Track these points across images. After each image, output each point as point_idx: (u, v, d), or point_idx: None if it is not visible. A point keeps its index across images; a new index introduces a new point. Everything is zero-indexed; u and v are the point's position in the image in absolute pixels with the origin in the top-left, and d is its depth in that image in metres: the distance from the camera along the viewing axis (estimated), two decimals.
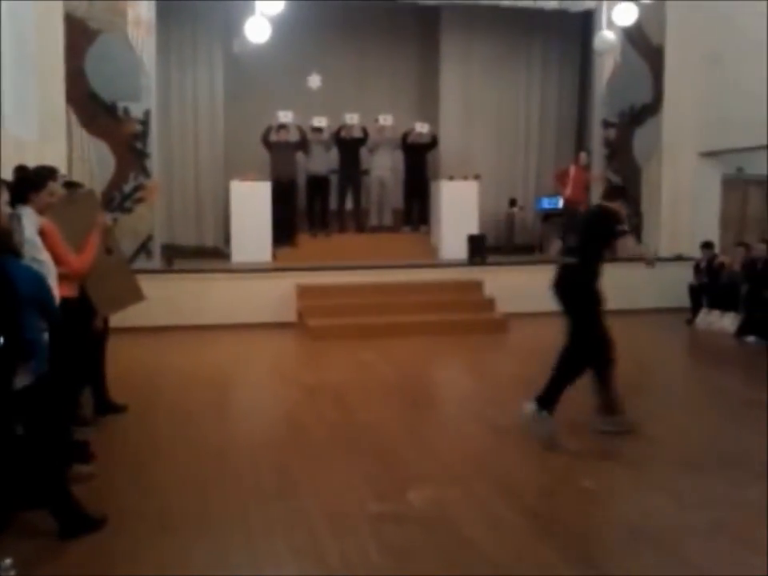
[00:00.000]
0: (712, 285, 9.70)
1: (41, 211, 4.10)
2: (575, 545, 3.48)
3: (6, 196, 3.45)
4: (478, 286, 10.07)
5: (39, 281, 3.55)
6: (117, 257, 5.17)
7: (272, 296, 9.67)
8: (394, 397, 6.35)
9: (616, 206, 5.37)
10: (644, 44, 11.31)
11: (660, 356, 8.15)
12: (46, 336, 3.57)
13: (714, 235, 10.91)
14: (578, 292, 5.07)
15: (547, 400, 5.03)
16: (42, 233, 4.00)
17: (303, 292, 9.59)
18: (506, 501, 3.98)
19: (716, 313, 9.54)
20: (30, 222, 3.90)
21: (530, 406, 5.07)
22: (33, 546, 3.42)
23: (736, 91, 10.42)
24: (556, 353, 5.12)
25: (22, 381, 3.33)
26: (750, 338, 8.73)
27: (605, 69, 11.51)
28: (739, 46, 10.44)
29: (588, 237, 5.14)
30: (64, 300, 4.03)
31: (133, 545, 3.46)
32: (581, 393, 5.16)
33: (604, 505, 3.97)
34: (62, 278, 4.14)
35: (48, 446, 3.51)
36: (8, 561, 3.15)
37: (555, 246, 5.68)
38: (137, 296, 5.28)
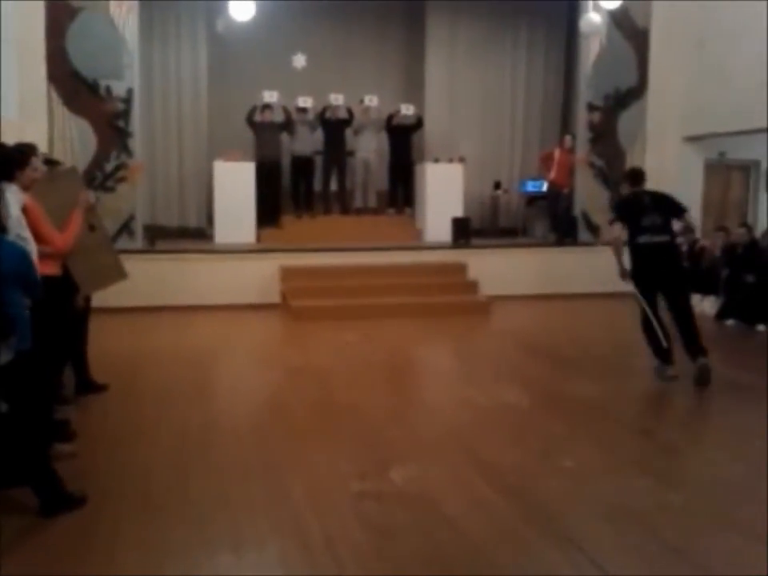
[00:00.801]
0: (693, 269, 9.77)
1: (25, 188, 4.06)
2: (555, 523, 3.52)
3: None
4: (461, 268, 10.09)
5: (23, 257, 3.52)
6: (100, 234, 5.10)
7: (256, 277, 9.64)
8: (377, 378, 6.37)
9: None
10: (630, 27, 11.30)
11: (641, 338, 8.21)
12: (28, 312, 3.54)
13: (695, 219, 10.96)
14: (682, 265, 6.16)
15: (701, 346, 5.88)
16: (24, 210, 3.97)
17: (287, 273, 9.57)
18: (486, 480, 4.02)
19: (697, 296, 9.60)
20: (14, 198, 3.86)
21: (703, 360, 5.82)
22: (14, 523, 3.41)
23: (720, 76, 10.45)
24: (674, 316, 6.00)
25: (4, 357, 3.31)
26: (730, 322, 8.83)
27: (590, 52, 11.51)
28: (724, 31, 10.47)
29: (668, 217, 5.90)
30: (46, 278, 3.99)
31: (113, 523, 3.47)
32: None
33: (583, 484, 4.01)
34: (45, 255, 4.10)
35: (30, 424, 3.49)
36: None
37: (616, 229, 6.01)
38: (119, 274, 5.24)
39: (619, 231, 5.94)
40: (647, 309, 5.98)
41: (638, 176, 6.17)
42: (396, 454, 4.45)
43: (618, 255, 5.97)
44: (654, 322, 5.98)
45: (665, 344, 5.98)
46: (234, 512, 3.60)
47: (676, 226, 6.02)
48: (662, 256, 5.84)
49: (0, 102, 8.33)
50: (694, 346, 5.85)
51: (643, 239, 5.82)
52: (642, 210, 5.88)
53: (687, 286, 6.03)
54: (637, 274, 5.93)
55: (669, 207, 5.93)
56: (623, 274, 6.03)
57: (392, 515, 3.60)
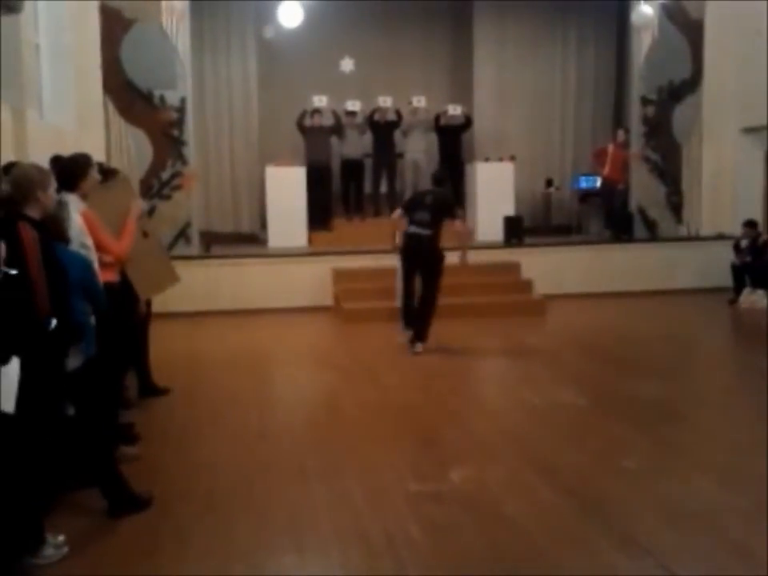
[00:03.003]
0: (755, 264, 9.50)
1: (84, 197, 4.18)
2: (615, 523, 3.47)
3: (54, 184, 3.51)
4: (515, 267, 9.99)
5: (87, 266, 3.63)
6: (153, 240, 5.18)
7: (308, 280, 9.72)
8: (432, 378, 6.36)
9: None
10: (683, 18, 11.05)
11: (702, 336, 8.03)
12: (93, 320, 3.65)
13: (756, 213, 10.64)
14: (435, 255, 7.09)
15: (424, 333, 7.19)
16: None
17: (339, 276, 9.62)
18: (545, 480, 3.98)
19: (759, 292, 9.35)
20: (75, 208, 3.97)
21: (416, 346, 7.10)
22: (84, 524, 3.52)
23: None
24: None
25: (73, 363, 3.42)
26: None
27: (643, 45, 11.30)
28: None
29: (440, 216, 7.05)
30: (106, 284, 4.09)
31: (178, 524, 3.54)
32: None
33: (644, 484, 3.94)
34: (103, 263, 4.20)
35: (98, 427, 3.59)
36: (61, 537, 3.26)
37: (397, 213, 7.37)
38: (173, 278, 5.32)
39: (398, 216, 7.30)
40: (400, 280, 7.31)
41: (435, 179, 7.56)
42: (453, 454, 4.45)
43: (392, 234, 7.33)
44: (401, 291, 7.35)
45: (405, 311, 7.34)
46: (296, 513, 3.64)
47: (460, 227, 7.34)
48: (420, 245, 7.07)
49: (58, 113, 8.60)
50: (418, 326, 7.14)
51: (411, 229, 7.10)
52: (418, 206, 7.14)
53: (436, 276, 7.10)
54: (402, 254, 7.26)
55: (442, 209, 7.09)
56: (393, 248, 7.35)
57: (450, 515, 3.60)
